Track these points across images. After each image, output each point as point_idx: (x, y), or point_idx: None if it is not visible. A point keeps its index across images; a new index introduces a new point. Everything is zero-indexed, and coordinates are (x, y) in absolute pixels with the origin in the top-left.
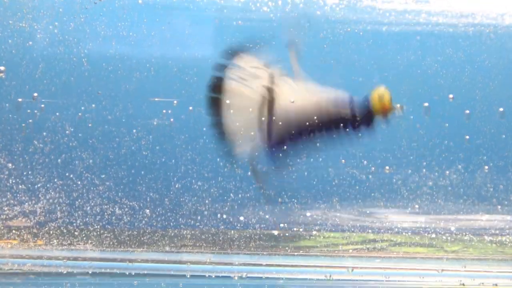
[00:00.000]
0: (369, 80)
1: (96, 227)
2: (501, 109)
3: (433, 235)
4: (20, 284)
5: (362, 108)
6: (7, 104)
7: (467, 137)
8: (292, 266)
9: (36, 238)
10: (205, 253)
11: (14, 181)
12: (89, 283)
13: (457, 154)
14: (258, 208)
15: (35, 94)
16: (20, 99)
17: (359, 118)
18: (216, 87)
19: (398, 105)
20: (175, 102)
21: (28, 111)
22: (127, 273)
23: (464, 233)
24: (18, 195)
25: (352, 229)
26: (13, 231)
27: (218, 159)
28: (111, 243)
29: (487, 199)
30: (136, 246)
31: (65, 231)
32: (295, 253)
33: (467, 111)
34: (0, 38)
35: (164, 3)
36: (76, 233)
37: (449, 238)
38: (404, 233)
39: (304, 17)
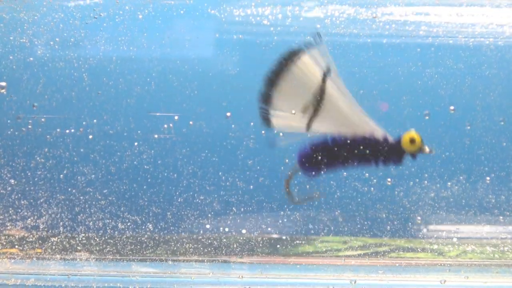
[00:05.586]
0: (370, 92)
1: (98, 241)
2: (501, 119)
3: (435, 246)
4: None
5: (393, 147)
6: (8, 120)
7: (468, 147)
8: (294, 278)
9: (38, 253)
10: (207, 266)
11: (16, 196)
12: None
13: (458, 165)
14: (260, 221)
15: (36, 109)
16: (21, 114)
17: (389, 155)
18: (277, 72)
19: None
20: (176, 117)
21: (30, 126)
22: (130, 287)
23: (466, 244)
24: (20, 210)
25: (354, 241)
26: (16, 246)
27: (220, 173)
28: (113, 257)
29: (488, 210)
30: (138, 260)
31: (67, 245)
32: (297, 265)
33: (468, 122)
34: (1, 54)
35: (164, 18)
36: (78, 247)
37: (451, 248)
38: (406, 244)
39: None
